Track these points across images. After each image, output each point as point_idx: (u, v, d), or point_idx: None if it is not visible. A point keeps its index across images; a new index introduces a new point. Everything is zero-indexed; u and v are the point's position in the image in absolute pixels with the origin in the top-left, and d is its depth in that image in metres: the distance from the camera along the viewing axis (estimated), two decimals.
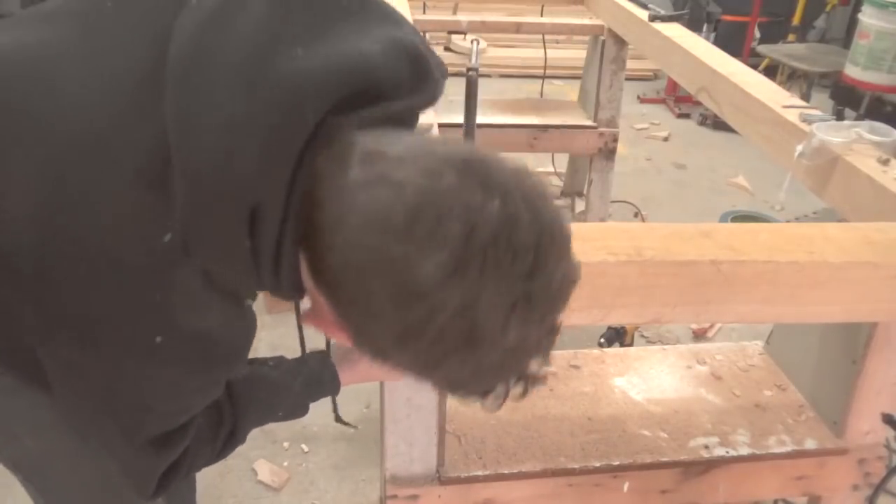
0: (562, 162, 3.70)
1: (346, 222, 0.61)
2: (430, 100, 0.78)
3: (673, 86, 5.01)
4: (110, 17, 0.74)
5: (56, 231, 0.67)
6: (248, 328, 0.79)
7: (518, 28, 2.97)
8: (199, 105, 0.65)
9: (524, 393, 0.70)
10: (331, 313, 0.67)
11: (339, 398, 1.15)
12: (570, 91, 4.78)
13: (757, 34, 4.93)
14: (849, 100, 3.99)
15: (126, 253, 0.67)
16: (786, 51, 4.50)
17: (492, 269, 0.58)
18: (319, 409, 1.12)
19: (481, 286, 0.58)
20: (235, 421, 0.92)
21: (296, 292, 0.71)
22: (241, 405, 0.93)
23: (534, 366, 0.69)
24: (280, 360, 1.04)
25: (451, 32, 5.24)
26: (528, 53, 5.38)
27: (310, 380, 1.03)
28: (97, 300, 0.68)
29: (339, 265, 0.62)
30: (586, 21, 2.93)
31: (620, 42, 2.75)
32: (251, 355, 0.88)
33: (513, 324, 0.61)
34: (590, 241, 1.01)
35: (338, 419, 1.23)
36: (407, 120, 0.79)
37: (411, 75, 0.74)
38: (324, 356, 1.06)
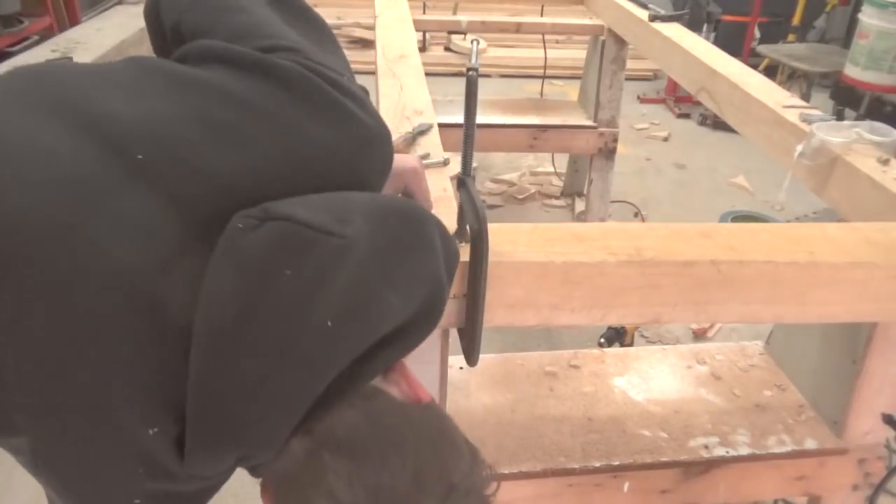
0: (562, 162, 3.71)
1: None
2: (437, 324, 0.81)
3: (673, 86, 5.00)
4: (140, 172, 0.68)
5: (52, 400, 0.65)
6: (216, 483, 0.80)
7: (518, 28, 2.96)
8: (223, 364, 0.65)
9: None
10: None
11: None
12: (570, 91, 4.78)
13: (757, 34, 4.93)
14: (849, 100, 3.99)
15: (113, 434, 0.66)
16: (786, 51, 4.50)
17: None
18: None
19: None
20: None
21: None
22: None
23: None
24: None
25: (451, 32, 5.24)
26: (528, 53, 5.38)
27: None
28: (84, 466, 0.68)
29: None
30: (586, 21, 2.93)
31: (620, 42, 2.75)
32: None
33: None
34: (590, 241, 1.01)
35: None
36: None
37: (424, 310, 0.77)
38: None
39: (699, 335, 2.70)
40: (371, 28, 3.02)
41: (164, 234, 0.67)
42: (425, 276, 0.77)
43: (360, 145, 0.79)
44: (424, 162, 1.21)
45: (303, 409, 0.68)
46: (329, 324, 0.67)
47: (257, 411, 0.67)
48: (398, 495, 0.67)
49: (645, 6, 2.39)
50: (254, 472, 0.77)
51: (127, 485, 0.69)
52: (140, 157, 0.68)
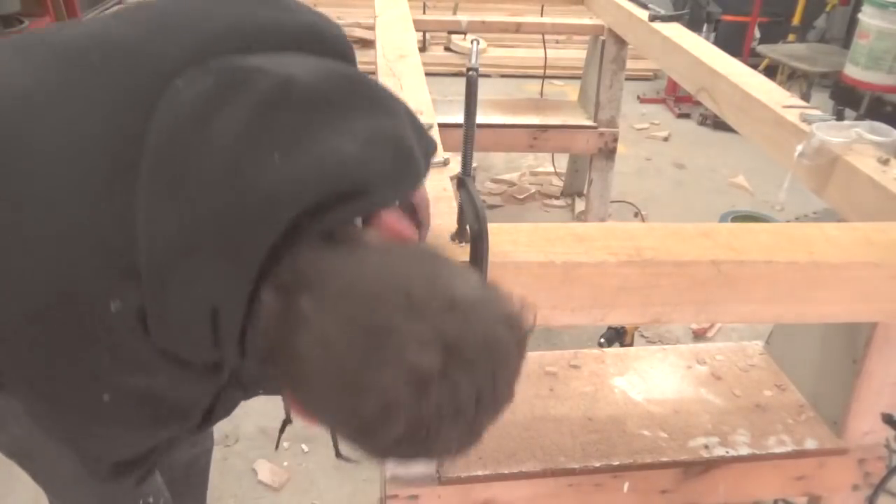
0: (562, 162, 3.71)
1: (301, 374, 0.64)
2: (413, 186, 0.81)
3: (673, 86, 5.00)
4: (94, 72, 0.72)
5: (7, 290, 0.66)
6: (200, 387, 0.79)
7: (518, 28, 2.96)
8: (169, 210, 0.65)
9: None
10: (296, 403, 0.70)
11: None
12: (570, 91, 4.78)
13: (757, 34, 4.93)
14: (849, 100, 3.99)
15: (76, 316, 0.66)
16: (786, 51, 4.50)
17: (435, 432, 0.61)
18: None
19: (430, 440, 0.62)
20: None
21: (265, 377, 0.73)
22: None
23: None
24: None
25: (451, 32, 5.24)
26: (528, 53, 5.38)
27: None
28: (45, 359, 0.68)
29: (300, 392, 0.67)
30: (586, 21, 2.93)
31: (620, 42, 2.75)
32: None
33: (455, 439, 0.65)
34: (590, 241, 1.01)
35: (338, 455, 1.22)
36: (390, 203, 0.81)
37: (393, 166, 0.75)
38: None
39: (699, 335, 2.70)
40: (371, 28, 3.02)
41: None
42: (387, 134, 0.76)
43: (307, 26, 0.84)
44: None
45: (259, 250, 0.65)
46: (276, 158, 0.66)
47: (210, 251, 0.65)
48: (391, 317, 0.63)
49: (645, 6, 2.39)
50: (249, 340, 0.70)
51: (93, 375, 0.68)
52: (96, 57, 0.73)
